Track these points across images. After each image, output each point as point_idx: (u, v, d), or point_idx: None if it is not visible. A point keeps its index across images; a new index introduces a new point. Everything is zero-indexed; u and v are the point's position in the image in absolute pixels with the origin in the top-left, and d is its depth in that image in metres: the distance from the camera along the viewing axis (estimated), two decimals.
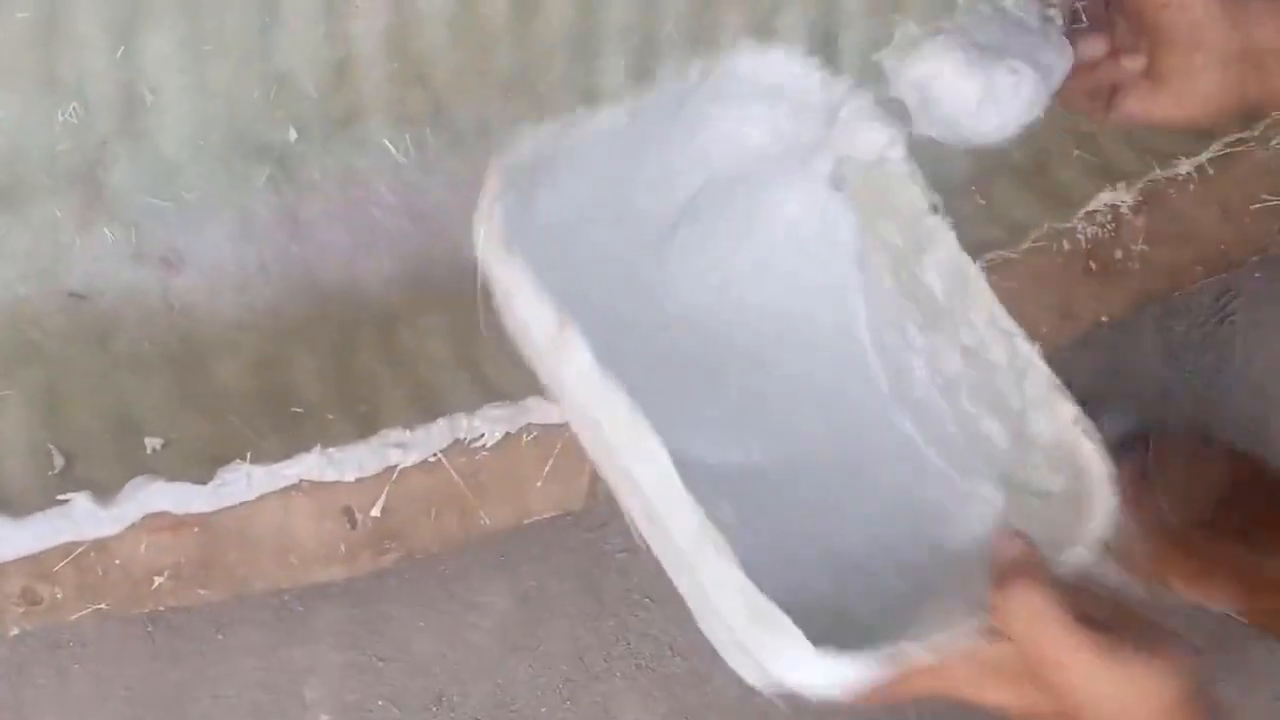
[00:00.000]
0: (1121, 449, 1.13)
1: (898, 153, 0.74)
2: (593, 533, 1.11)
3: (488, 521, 0.89)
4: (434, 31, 1.02)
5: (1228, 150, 1.04)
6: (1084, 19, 0.79)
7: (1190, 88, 0.75)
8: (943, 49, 0.75)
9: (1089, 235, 1.00)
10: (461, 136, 1.05)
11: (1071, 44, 0.78)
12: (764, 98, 0.74)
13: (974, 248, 0.98)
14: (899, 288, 0.75)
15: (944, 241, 0.72)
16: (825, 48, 1.11)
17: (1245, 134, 1.06)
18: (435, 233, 1.04)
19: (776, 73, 0.73)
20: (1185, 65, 0.75)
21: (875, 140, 0.74)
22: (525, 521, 0.90)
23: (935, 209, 0.73)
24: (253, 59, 0.99)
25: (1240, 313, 1.23)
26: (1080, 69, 0.78)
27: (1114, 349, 1.21)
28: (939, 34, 0.76)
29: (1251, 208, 1.04)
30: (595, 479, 0.91)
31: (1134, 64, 0.77)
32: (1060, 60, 0.78)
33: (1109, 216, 1.00)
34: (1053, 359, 1.11)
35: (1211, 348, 1.23)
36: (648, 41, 1.08)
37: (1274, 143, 1.06)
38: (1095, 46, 0.78)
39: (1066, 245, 0.99)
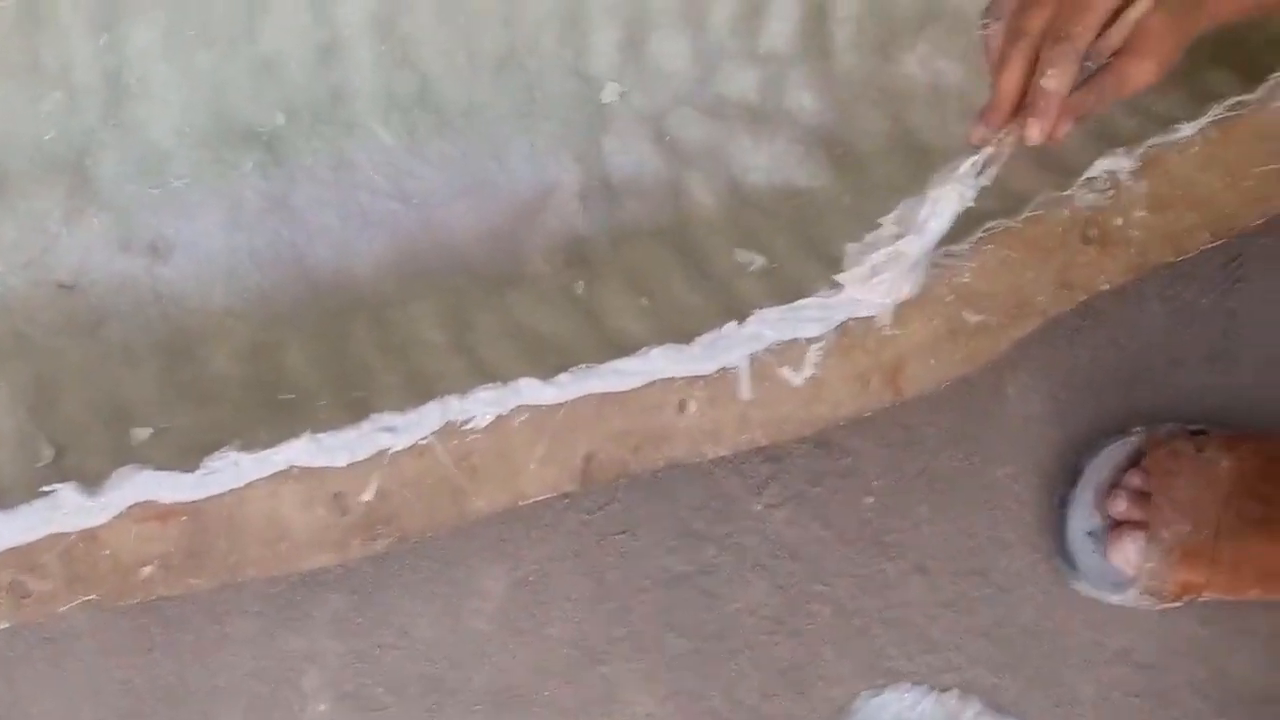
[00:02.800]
0: (1121, 475, 1.12)
1: None
2: (592, 515, 1.10)
3: (481, 504, 0.88)
4: (421, 12, 1.02)
5: (1229, 113, 1.03)
6: None
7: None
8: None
9: (1088, 203, 0.98)
10: (450, 118, 1.05)
11: None
12: None
13: (972, 218, 0.99)
14: None
15: None
16: (816, 16, 1.10)
17: (1246, 96, 1.04)
18: (426, 216, 1.03)
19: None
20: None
21: None
22: (520, 504, 0.89)
23: None
24: (239, 44, 0.99)
25: (1248, 279, 1.22)
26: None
27: (1120, 320, 1.20)
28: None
29: (1255, 170, 1.03)
30: (590, 459, 0.90)
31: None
32: None
33: (1108, 183, 0.99)
34: (1057, 331, 1.12)
35: (1220, 315, 1.21)
36: (639, 18, 1.07)
37: (1276, 104, 1.05)
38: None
39: (1066, 213, 0.98)
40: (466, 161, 1.04)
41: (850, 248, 0.90)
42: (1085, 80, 0.82)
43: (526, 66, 1.06)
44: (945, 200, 0.88)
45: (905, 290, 0.91)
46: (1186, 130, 1.01)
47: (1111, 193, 0.98)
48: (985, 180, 0.87)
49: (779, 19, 1.09)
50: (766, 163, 1.09)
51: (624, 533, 1.10)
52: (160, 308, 0.97)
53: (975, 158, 0.86)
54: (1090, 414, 1.18)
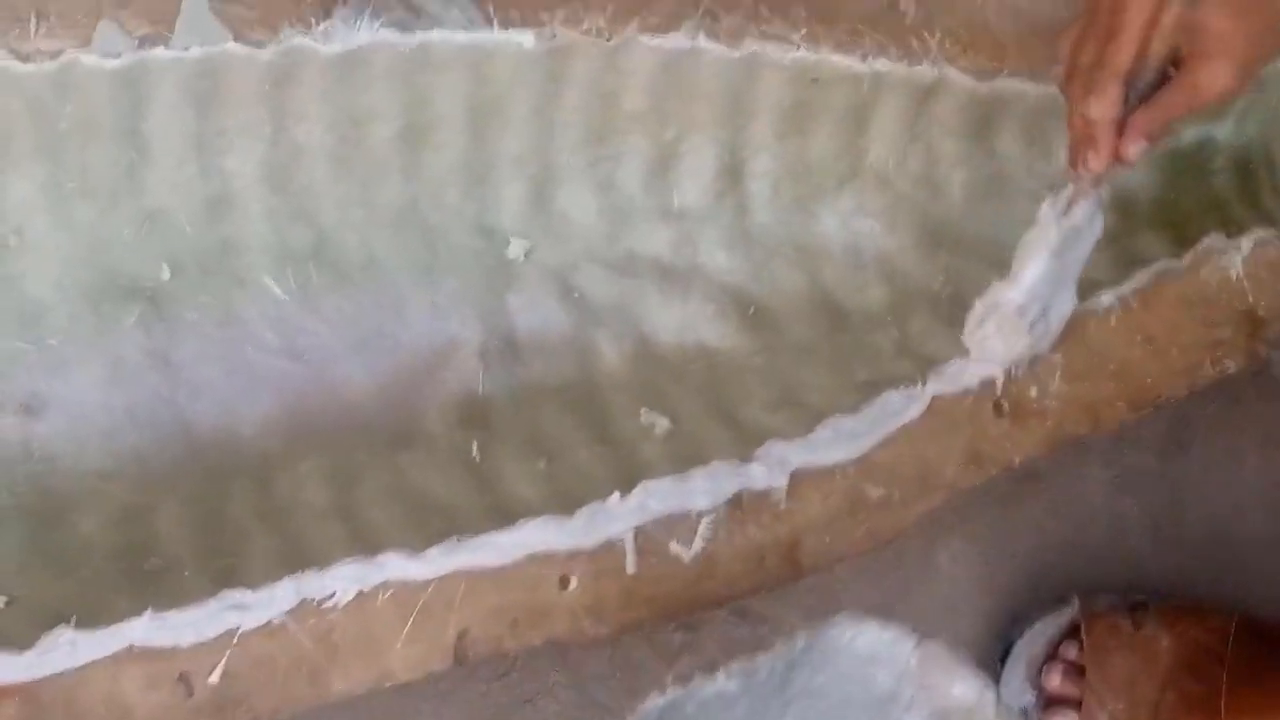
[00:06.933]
0: (1055, 648, 1.07)
1: (988, 705, 0.78)
2: (489, 685, 1.03)
3: (342, 686, 0.84)
4: (315, 164, 0.98)
5: (1152, 281, 0.99)
6: None
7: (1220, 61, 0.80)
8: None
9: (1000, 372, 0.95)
10: (347, 272, 1.01)
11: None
12: (861, 667, 0.79)
13: (884, 381, 0.95)
14: None
15: None
16: (731, 173, 1.06)
17: (1173, 263, 1.01)
18: (317, 373, 1.00)
19: (872, 642, 0.79)
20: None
21: (966, 694, 0.78)
22: (387, 684, 0.85)
23: None
24: (121, 197, 0.95)
25: (1194, 446, 1.17)
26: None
27: (1060, 485, 1.15)
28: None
29: (1180, 340, 0.99)
30: (463, 636, 0.86)
31: None
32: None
33: None
34: (993, 495, 1.07)
35: (1166, 482, 1.17)
36: (546, 172, 1.04)
37: (1202, 272, 1.01)
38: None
39: (976, 382, 0.94)
40: (363, 317, 1.01)
41: (977, 303, 0.92)
42: (1151, 97, 0.83)
43: (428, 220, 1.03)
44: (1032, 245, 0.89)
45: (1021, 346, 0.92)
46: (1107, 298, 0.98)
47: (1027, 362, 0.95)
48: (1074, 220, 0.88)
49: (692, 175, 1.06)
50: (677, 321, 1.05)
51: (525, 703, 1.05)
52: (29, 468, 0.93)
53: (1054, 199, 0.88)
54: (1025, 583, 1.13)
